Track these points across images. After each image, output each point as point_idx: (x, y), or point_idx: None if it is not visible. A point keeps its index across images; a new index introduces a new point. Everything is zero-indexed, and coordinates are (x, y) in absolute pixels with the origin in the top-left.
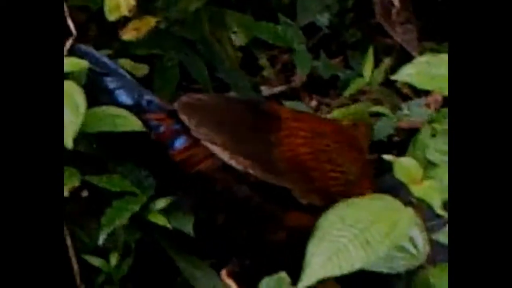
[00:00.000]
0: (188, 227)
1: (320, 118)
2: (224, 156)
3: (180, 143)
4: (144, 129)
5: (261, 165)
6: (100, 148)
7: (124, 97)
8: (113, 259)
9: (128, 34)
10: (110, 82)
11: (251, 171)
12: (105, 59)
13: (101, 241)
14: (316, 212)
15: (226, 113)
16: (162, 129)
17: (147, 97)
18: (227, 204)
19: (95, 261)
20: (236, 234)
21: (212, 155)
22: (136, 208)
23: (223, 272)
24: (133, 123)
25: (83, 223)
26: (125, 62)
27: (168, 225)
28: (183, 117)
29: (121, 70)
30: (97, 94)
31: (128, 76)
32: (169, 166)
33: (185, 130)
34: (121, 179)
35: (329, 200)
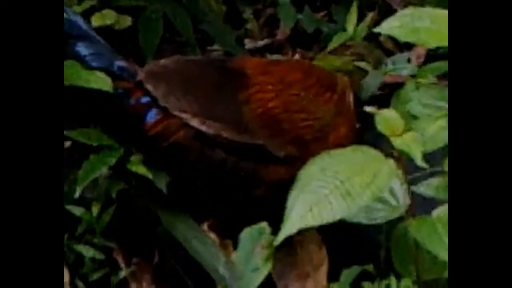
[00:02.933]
0: (161, 183)
1: (289, 64)
2: (195, 122)
3: (151, 116)
4: (112, 91)
5: (232, 126)
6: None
7: (95, 63)
8: (95, 209)
9: None
10: (82, 48)
11: (223, 134)
12: (78, 19)
13: (77, 194)
14: (295, 162)
15: (192, 77)
16: (132, 101)
17: (119, 63)
18: (205, 170)
19: (77, 210)
20: (217, 195)
21: (184, 124)
22: (113, 161)
23: (205, 225)
24: (104, 83)
25: (66, 173)
26: (109, 13)
27: (150, 176)
28: (149, 87)
29: (93, 33)
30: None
31: (100, 40)
32: (144, 138)
33: (155, 102)
34: (99, 132)
35: (306, 148)
